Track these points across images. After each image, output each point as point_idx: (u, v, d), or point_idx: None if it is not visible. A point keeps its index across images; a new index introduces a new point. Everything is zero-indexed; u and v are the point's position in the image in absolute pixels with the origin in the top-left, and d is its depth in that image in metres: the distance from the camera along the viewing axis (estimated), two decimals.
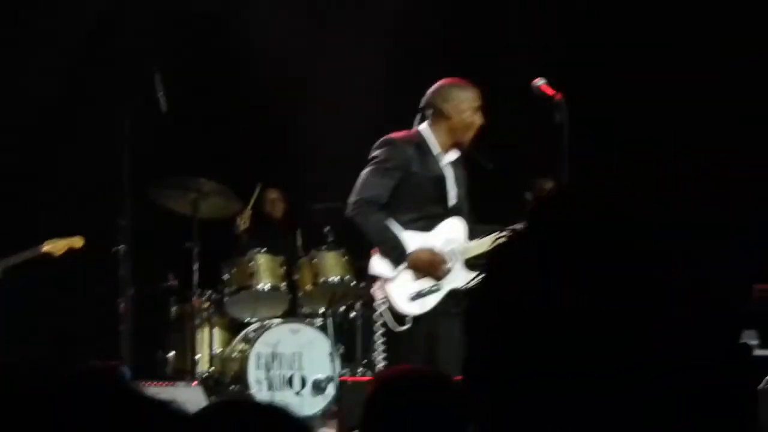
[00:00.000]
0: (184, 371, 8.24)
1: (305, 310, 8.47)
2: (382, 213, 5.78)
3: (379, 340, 5.82)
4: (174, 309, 8.62)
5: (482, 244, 5.74)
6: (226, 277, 8.45)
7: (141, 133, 7.74)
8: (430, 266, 5.73)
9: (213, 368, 8.35)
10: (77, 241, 7.67)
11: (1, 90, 8.72)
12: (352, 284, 8.28)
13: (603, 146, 8.10)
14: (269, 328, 8.17)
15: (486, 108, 5.94)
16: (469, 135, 5.92)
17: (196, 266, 8.10)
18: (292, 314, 8.48)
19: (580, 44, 8.73)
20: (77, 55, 9.04)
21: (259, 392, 7.95)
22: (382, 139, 5.97)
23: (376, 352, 5.88)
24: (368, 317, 8.42)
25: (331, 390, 7.90)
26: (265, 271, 8.39)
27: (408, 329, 5.65)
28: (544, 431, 1.10)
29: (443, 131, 5.91)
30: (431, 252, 5.76)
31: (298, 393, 8.04)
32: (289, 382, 8.06)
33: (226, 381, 8.26)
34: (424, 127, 5.97)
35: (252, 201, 9.13)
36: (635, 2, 8.86)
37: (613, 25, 8.85)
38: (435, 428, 2.88)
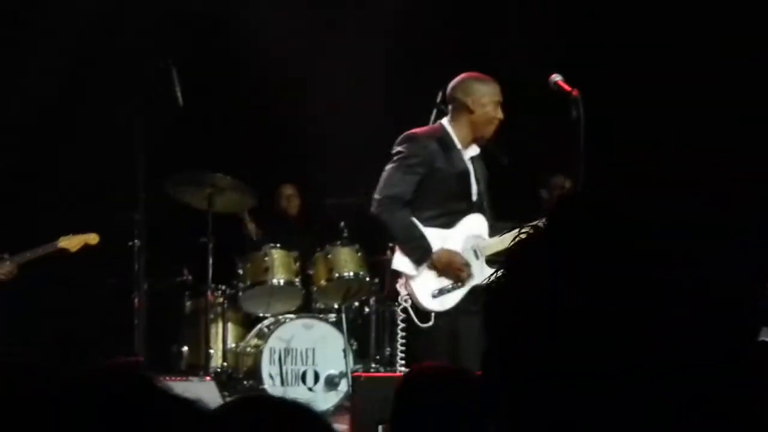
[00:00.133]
0: (198, 366, 8.26)
1: (319, 305, 8.49)
2: (407, 210, 5.76)
3: (399, 335, 5.80)
4: (188, 304, 8.64)
5: (503, 241, 5.72)
6: (240, 272, 8.46)
7: (156, 128, 7.75)
8: (452, 269, 5.72)
9: (226, 363, 8.37)
10: (92, 238, 7.69)
11: (10, 86, 8.74)
12: (366, 280, 8.29)
13: (603, 146, 8.08)
14: (283, 323, 8.19)
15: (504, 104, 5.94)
16: (490, 130, 5.90)
17: (210, 261, 8.11)
18: (306, 309, 8.49)
19: (580, 44, 8.71)
20: (88, 50, 9.05)
21: (272, 387, 7.96)
22: (404, 134, 5.94)
23: (396, 349, 5.85)
24: (382, 313, 8.43)
25: (344, 385, 7.90)
26: (279, 266, 8.40)
27: (431, 326, 5.65)
28: (556, 427, 1.09)
29: (465, 126, 5.89)
30: (454, 254, 5.74)
31: (311, 388, 8.06)
32: (303, 377, 8.08)
33: (240, 376, 8.28)
34: (446, 122, 5.96)
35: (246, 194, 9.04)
36: (635, 2, 8.84)
37: (613, 25, 8.85)
38: (456, 423, 2.97)
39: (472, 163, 5.93)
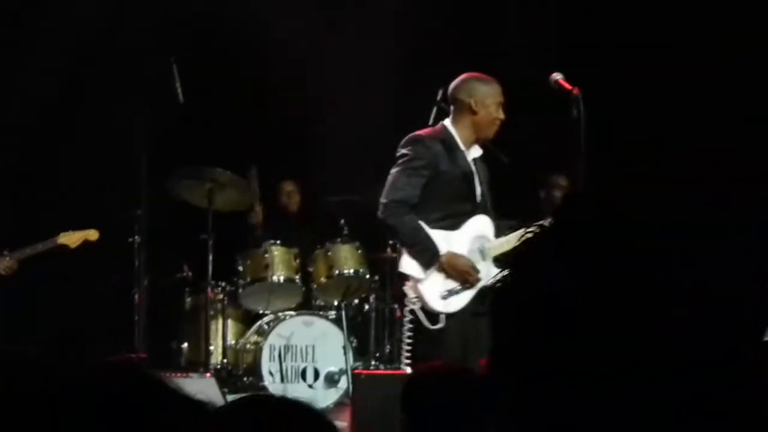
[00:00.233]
0: (198, 362, 8.25)
1: (319, 302, 8.49)
2: (414, 213, 5.77)
3: (405, 337, 5.79)
4: (188, 300, 8.63)
5: (509, 241, 5.73)
6: (240, 268, 8.46)
7: (157, 125, 7.75)
8: (459, 272, 5.72)
9: (226, 360, 8.37)
10: (92, 234, 7.69)
11: (11, 85, 8.74)
12: (366, 277, 8.30)
13: (602, 146, 8.08)
14: (283, 320, 8.19)
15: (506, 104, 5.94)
16: (492, 130, 5.90)
17: (210, 258, 8.11)
18: (305, 306, 8.49)
19: (580, 44, 8.71)
20: (89, 49, 9.05)
21: (272, 384, 7.97)
22: (408, 137, 5.93)
23: (402, 349, 5.85)
24: (382, 310, 8.44)
25: (343, 382, 7.91)
26: (279, 263, 8.40)
27: (441, 328, 5.65)
28: (556, 426, 1.10)
29: (467, 127, 5.89)
30: (461, 257, 5.74)
31: (311, 385, 8.06)
32: (303, 374, 8.08)
33: (240, 372, 8.28)
34: (448, 123, 5.95)
35: (257, 188, 9.05)
36: (635, 2, 8.85)
37: (613, 25, 8.85)
38: (460, 421, 3.05)
39: (475, 163, 5.93)
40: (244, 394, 6.92)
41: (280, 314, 8.33)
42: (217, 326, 8.45)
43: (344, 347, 7.89)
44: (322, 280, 8.33)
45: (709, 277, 1.04)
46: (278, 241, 8.52)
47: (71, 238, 7.59)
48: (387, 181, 5.87)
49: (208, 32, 9.32)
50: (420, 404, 3.17)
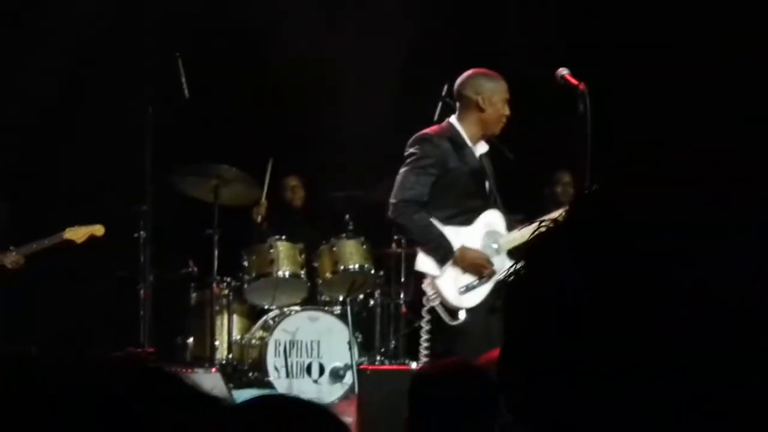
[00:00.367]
0: (203, 357, 8.27)
1: (324, 297, 8.49)
2: (424, 212, 5.77)
3: (424, 339, 5.80)
4: (194, 295, 8.64)
5: (523, 234, 5.76)
6: (245, 264, 8.47)
7: (162, 120, 7.76)
8: (475, 266, 5.73)
9: (232, 355, 8.37)
10: (98, 229, 7.71)
11: (15, 81, 8.75)
12: (371, 272, 8.30)
13: (602, 146, 8.08)
14: (288, 315, 8.20)
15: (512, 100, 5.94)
16: (499, 127, 5.91)
17: (216, 253, 8.12)
18: (311, 302, 8.50)
19: (580, 44, 8.70)
20: (95, 45, 9.05)
21: (278, 379, 7.98)
22: (415, 135, 5.92)
23: (421, 349, 5.86)
24: (387, 305, 8.44)
25: (349, 378, 7.91)
26: (284, 258, 8.41)
27: (462, 323, 5.67)
28: (557, 425, 1.11)
29: (474, 123, 5.89)
30: (474, 251, 5.75)
31: (316, 380, 8.07)
32: (308, 369, 8.09)
33: (245, 368, 8.29)
34: (454, 119, 5.95)
35: (266, 186, 9.11)
36: (635, 2, 8.85)
37: (614, 25, 8.85)
38: (468, 417, 3.08)
39: (482, 159, 5.94)
40: (251, 390, 6.92)
41: (285, 309, 8.34)
42: (222, 321, 8.46)
43: (349, 342, 7.90)
44: (328, 275, 8.33)
45: (711, 278, 1.04)
46: (283, 237, 8.53)
47: (77, 234, 7.61)
48: (396, 180, 5.87)
49: (213, 29, 9.32)
50: (426, 402, 3.19)
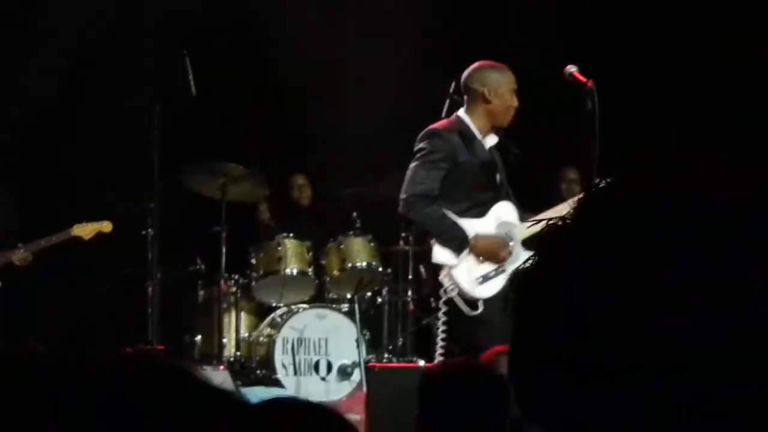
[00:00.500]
0: (211, 355, 8.27)
1: (332, 295, 8.49)
2: (436, 205, 5.78)
3: (440, 330, 5.81)
4: (201, 293, 8.64)
5: (535, 225, 5.76)
6: (253, 261, 8.47)
7: (170, 118, 7.77)
8: (493, 251, 5.74)
9: (240, 352, 8.38)
10: (106, 225, 7.71)
11: (23, 79, 8.76)
12: (379, 270, 8.29)
13: (605, 145, 8.07)
14: (296, 312, 8.19)
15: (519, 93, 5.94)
16: (507, 118, 5.91)
17: (223, 250, 8.12)
18: (318, 299, 8.49)
19: (580, 44, 8.69)
20: (103, 41, 9.06)
21: (285, 377, 7.97)
22: (425, 130, 5.93)
23: (437, 342, 5.86)
24: (394, 303, 8.44)
25: (356, 375, 7.91)
26: (292, 256, 8.40)
27: (481, 312, 5.68)
28: (560, 423, 1.11)
29: (482, 116, 5.89)
30: (490, 237, 5.77)
31: (324, 378, 8.07)
32: (316, 367, 8.09)
33: (253, 365, 8.29)
34: (462, 113, 5.95)
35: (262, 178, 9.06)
36: (635, 2, 8.85)
37: (613, 25, 8.85)
38: (476, 415, 3.10)
39: (492, 152, 5.94)
40: (259, 387, 6.91)
41: (293, 307, 8.34)
42: (230, 319, 8.46)
43: (357, 340, 7.89)
44: (335, 273, 8.33)
45: (711, 277, 1.04)
46: (291, 234, 8.53)
47: (85, 230, 7.62)
48: (406, 176, 5.87)
49: (218, 27, 9.33)
50: (436, 400, 3.19)
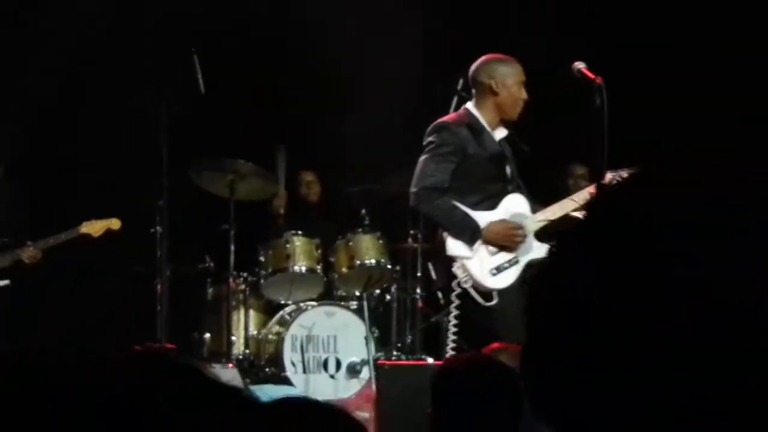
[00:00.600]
0: (220, 353, 8.27)
1: (341, 292, 8.49)
2: (446, 197, 5.77)
3: (452, 324, 5.81)
4: (210, 291, 8.65)
5: (547, 216, 5.81)
6: (262, 259, 8.47)
7: (177, 115, 7.77)
8: (506, 236, 5.75)
9: (249, 350, 8.38)
10: (115, 223, 7.72)
11: (34, 71, 8.78)
12: (387, 267, 8.29)
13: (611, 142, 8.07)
14: (305, 310, 8.19)
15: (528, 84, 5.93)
16: (516, 111, 5.92)
17: (232, 248, 8.12)
18: (327, 297, 8.49)
19: (581, 44, 8.68)
20: (111, 39, 9.06)
21: (294, 375, 7.97)
22: (434, 124, 5.95)
23: (448, 335, 5.86)
24: (403, 300, 8.43)
25: (365, 373, 7.90)
26: (301, 253, 8.40)
27: (496, 304, 5.68)
28: (564, 421, 1.11)
29: (490, 108, 5.90)
30: (504, 222, 5.77)
31: (333, 376, 8.06)
32: (324, 364, 8.08)
33: (262, 363, 8.29)
34: (471, 106, 5.96)
35: (283, 176, 9.09)
36: (636, 2, 8.84)
37: (614, 25, 8.83)
38: (490, 411, 3.10)
39: (502, 144, 5.95)
40: (268, 385, 6.91)
41: (301, 304, 8.34)
42: (238, 316, 8.46)
43: (366, 338, 7.89)
44: (344, 270, 8.33)
45: (711, 277, 1.04)
46: (300, 232, 8.52)
47: (94, 227, 7.62)
48: (416, 169, 5.87)
49: (228, 24, 9.33)
50: (450, 396, 3.18)
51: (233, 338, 8.25)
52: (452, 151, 5.79)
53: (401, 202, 7.87)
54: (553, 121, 7.94)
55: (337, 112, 9.18)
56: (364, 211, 8.62)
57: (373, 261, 8.25)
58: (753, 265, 1.06)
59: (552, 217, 5.88)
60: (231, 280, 8.18)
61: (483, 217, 5.79)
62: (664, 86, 8.29)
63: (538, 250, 5.78)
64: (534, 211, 5.93)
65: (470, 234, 5.71)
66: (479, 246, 5.73)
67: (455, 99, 6.69)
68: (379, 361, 6.95)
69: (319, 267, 8.44)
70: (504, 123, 5.97)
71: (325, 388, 7.84)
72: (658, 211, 1.12)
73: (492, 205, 5.85)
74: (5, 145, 7.70)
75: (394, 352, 8.12)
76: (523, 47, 8.48)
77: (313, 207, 9.49)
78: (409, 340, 8.28)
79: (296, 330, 8.07)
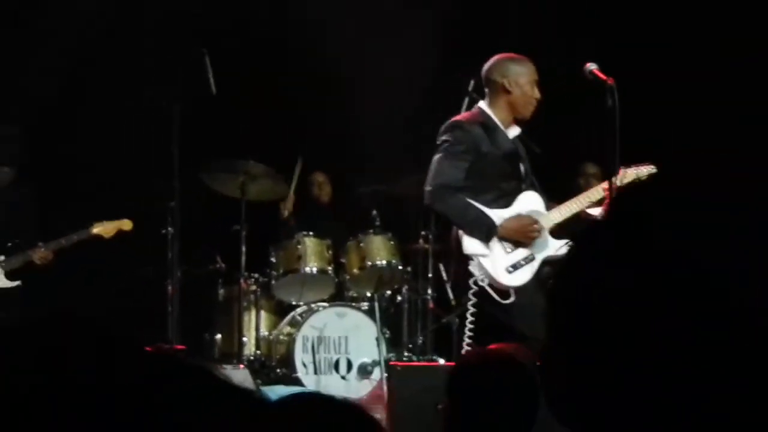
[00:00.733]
0: (231, 354, 8.28)
1: (352, 293, 8.49)
2: (460, 195, 5.77)
3: (468, 321, 5.80)
4: (221, 291, 8.65)
5: (561, 213, 5.82)
6: (273, 260, 8.47)
7: (189, 116, 7.78)
8: (522, 231, 5.75)
9: (260, 351, 8.38)
10: (126, 224, 7.72)
11: (44, 71, 8.79)
12: (398, 268, 8.29)
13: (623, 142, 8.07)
14: (316, 311, 8.19)
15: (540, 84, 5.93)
16: (529, 110, 5.92)
17: (243, 249, 8.12)
18: (338, 298, 8.49)
19: (581, 44, 8.67)
20: (113, 36, 9.07)
21: (306, 375, 7.97)
22: (447, 123, 5.95)
23: (464, 333, 5.86)
24: (414, 301, 8.43)
25: (377, 374, 7.90)
26: (312, 254, 8.40)
27: (513, 302, 5.68)
28: (585, 418, 1.11)
29: (503, 107, 5.91)
30: (519, 217, 5.77)
31: (344, 377, 8.06)
32: (336, 365, 8.08)
33: (273, 364, 8.29)
34: (484, 105, 5.96)
35: (294, 181, 9.14)
36: (636, 2, 8.82)
37: (614, 25, 8.82)
38: (506, 408, 3.11)
39: (516, 142, 5.95)
40: (279, 386, 6.89)
41: (313, 305, 8.34)
42: (250, 317, 8.47)
43: (377, 338, 7.89)
44: (355, 271, 8.33)
45: (711, 278, 1.04)
46: (311, 233, 8.53)
47: (105, 229, 7.63)
48: (430, 168, 5.88)
49: (238, 24, 9.34)
50: (467, 391, 3.18)
51: (244, 339, 8.25)
52: (466, 150, 5.80)
53: (412, 202, 7.87)
54: (564, 120, 7.93)
55: (349, 112, 9.18)
56: (375, 211, 8.62)
57: (384, 262, 8.25)
58: (753, 265, 1.07)
59: (567, 215, 5.89)
60: (242, 281, 8.18)
61: (498, 215, 5.79)
62: (675, 86, 8.27)
63: (554, 247, 5.78)
64: (548, 208, 5.93)
65: (486, 231, 5.71)
66: (495, 243, 5.73)
67: (466, 100, 6.69)
68: (392, 363, 6.95)
69: (330, 268, 8.44)
70: (517, 122, 5.97)
71: (335, 389, 7.83)
72: (657, 211, 1.12)
73: (506, 203, 5.85)
74: (15, 146, 7.70)
75: (405, 353, 8.12)
76: (528, 47, 8.51)
77: (325, 208, 9.49)
78: (420, 341, 8.28)
79: (307, 331, 8.07)
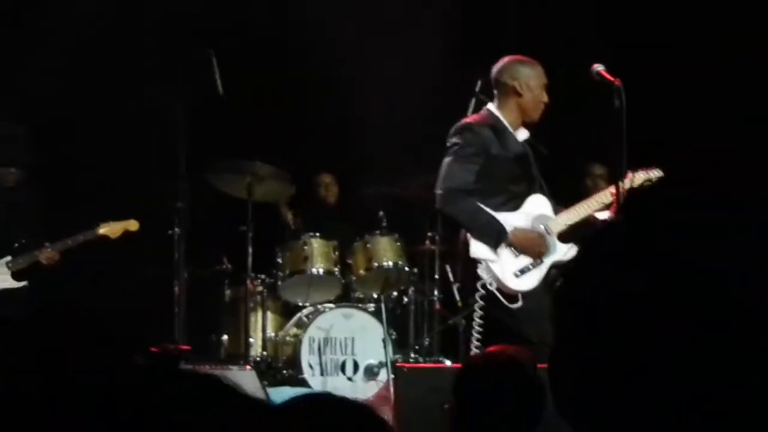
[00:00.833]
0: (238, 355, 8.28)
1: (358, 294, 8.49)
2: (471, 199, 5.77)
3: (476, 324, 5.79)
4: (228, 292, 8.66)
5: (569, 217, 5.81)
6: (279, 261, 8.47)
7: (196, 117, 7.78)
8: (531, 246, 5.74)
9: (266, 352, 8.39)
10: (132, 224, 7.72)
11: (52, 71, 8.80)
12: (405, 269, 8.29)
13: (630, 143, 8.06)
14: (322, 312, 8.19)
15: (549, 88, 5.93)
16: (537, 113, 5.92)
17: (250, 250, 8.12)
18: (345, 299, 8.49)
19: (582, 44, 8.66)
20: (130, 39, 9.08)
21: (312, 377, 7.97)
22: (457, 125, 5.94)
23: (472, 336, 5.85)
24: (421, 302, 8.43)
25: (383, 375, 7.89)
26: (318, 255, 8.40)
27: (521, 306, 5.67)
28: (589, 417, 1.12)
29: (513, 110, 5.90)
30: (528, 231, 5.76)
31: (350, 378, 8.06)
32: (342, 366, 8.08)
33: (279, 365, 8.29)
34: (493, 107, 5.95)
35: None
36: (636, 2, 8.81)
37: (614, 26, 8.81)
38: (508, 409, 3.12)
39: (524, 145, 5.94)
40: (285, 387, 6.89)
41: (319, 306, 8.34)
42: (256, 318, 8.47)
43: (383, 340, 7.88)
44: (361, 272, 8.33)
45: (711, 278, 1.04)
46: (317, 234, 8.53)
47: (112, 229, 7.63)
48: (440, 171, 5.87)
49: (247, 21, 9.33)
50: (473, 392, 3.18)
51: (251, 340, 8.26)
52: (476, 152, 5.79)
53: (419, 204, 7.87)
54: (571, 121, 7.91)
55: (356, 113, 9.18)
56: (381, 213, 8.62)
57: (390, 263, 8.25)
58: (753, 265, 1.07)
59: (575, 219, 5.88)
60: (249, 281, 8.19)
61: (507, 219, 5.78)
62: (665, 87, 8.26)
63: (561, 251, 5.77)
64: (556, 212, 5.92)
65: (495, 237, 5.70)
66: (503, 248, 5.72)
67: (473, 101, 6.68)
68: (398, 364, 6.94)
69: (336, 269, 8.45)
70: (525, 125, 5.96)
71: (342, 391, 7.82)
72: (659, 212, 1.13)
73: (515, 206, 5.84)
74: (21, 147, 7.71)
75: (412, 354, 8.12)
76: (530, 47, 8.51)
77: (331, 209, 9.49)
78: (426, 343, 8.27)
79: (314, 332, 8.07)
